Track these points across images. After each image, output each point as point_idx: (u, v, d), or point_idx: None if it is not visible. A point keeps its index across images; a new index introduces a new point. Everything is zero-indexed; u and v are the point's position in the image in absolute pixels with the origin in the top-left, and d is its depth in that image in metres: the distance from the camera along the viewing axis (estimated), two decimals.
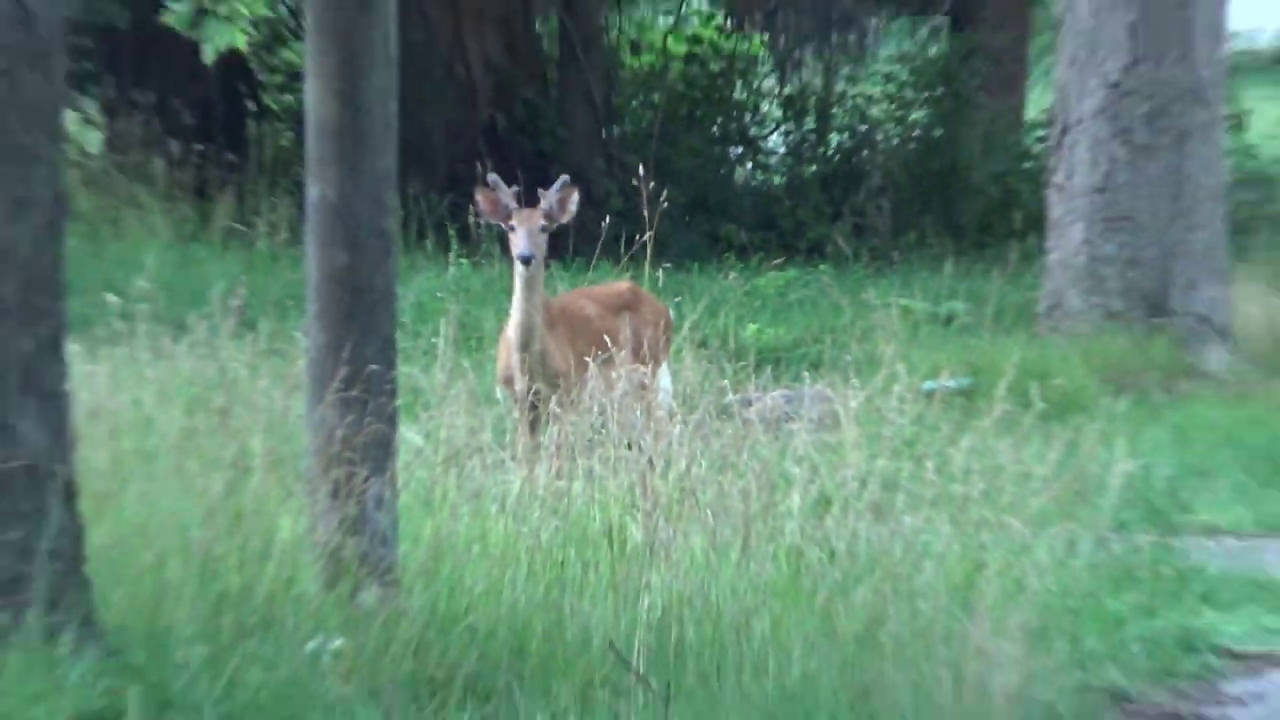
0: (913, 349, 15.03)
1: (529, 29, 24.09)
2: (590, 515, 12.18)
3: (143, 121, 20.66)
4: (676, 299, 15.96)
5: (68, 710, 9.73)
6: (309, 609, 11.01)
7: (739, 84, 26.07)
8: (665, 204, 18.09)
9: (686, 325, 15.22)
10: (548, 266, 14.87)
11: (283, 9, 11.36)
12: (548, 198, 14.39)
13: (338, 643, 10.63)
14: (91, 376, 11.78)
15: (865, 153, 25.01)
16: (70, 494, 10.57)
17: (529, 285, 14.30)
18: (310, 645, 10.58)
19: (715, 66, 26.42)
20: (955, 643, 11.11)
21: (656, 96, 25.46)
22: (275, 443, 12.14)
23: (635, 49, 26.35)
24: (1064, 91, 18.59)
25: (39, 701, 9.74)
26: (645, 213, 17.08)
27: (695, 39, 26.45)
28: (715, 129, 25.27)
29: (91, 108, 21.08)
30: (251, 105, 21.30)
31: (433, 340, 14.07)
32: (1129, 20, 17.92)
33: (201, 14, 11.94)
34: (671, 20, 26.49)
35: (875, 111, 26.12)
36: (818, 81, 27.10)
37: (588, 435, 13.35)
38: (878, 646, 11.14)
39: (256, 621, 10.83)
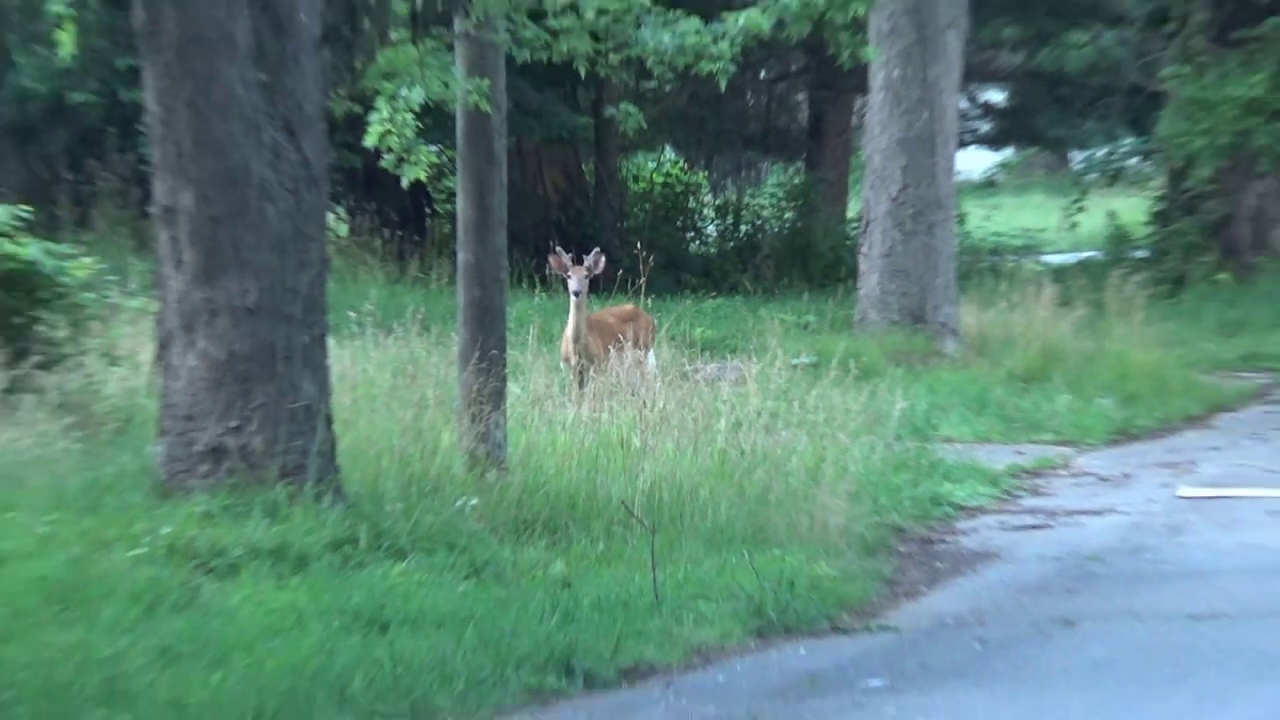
0: (785, 341, 14.68)
1: (578, 168, 24.18)
2: (611, 432, 12.25)
3: (369, 218, 20.72)
4: (657, 314, 15.98)
5: (328, 537, 9.95)
6: (458, 482, 11.17)
7: (691, 198, 26.27)
8: (651, 263, 18.05)
9: (663, 329, 15.18)
10: (586, 295, 14.53)
11: (445, 159, 11.39)
12: (587, 260, 14.29)
13: (474, 501, 10.88)
14: (340, 357, 11.85)
15: (760, 235, 25.18)
16: (329, 420, 10.91)
17: (577, 308, 14.33)
18: (458, 502, 10.84)
19: (679, 189, 26.47)
20: (810, 501, 11.36)
21: (647, 205, 25.56)
22: (440, 392, 12.24)
23: (635, 179, 26.36)
24: (867, 202, 18.48)
25: (312, 533, 9.93)
26: (641, 268, 16.84)
27: (667, 174, 26.52)
28: (679, 222, 25.54)
29: (341, 211, 21.94)
30: (429, 210, 21.44)
31: (525, 337, 14.01)
32: (901, 164, 17.87)
33: (401, 161, 12.28)
34: (654, 164, 26.52)
35: (765, 213, 26.03)
36: (734, 197, 26.84)
37: (610, 389, 13.32)
38: (767, 503, 11.34)
39: (429, 489, 11.05)
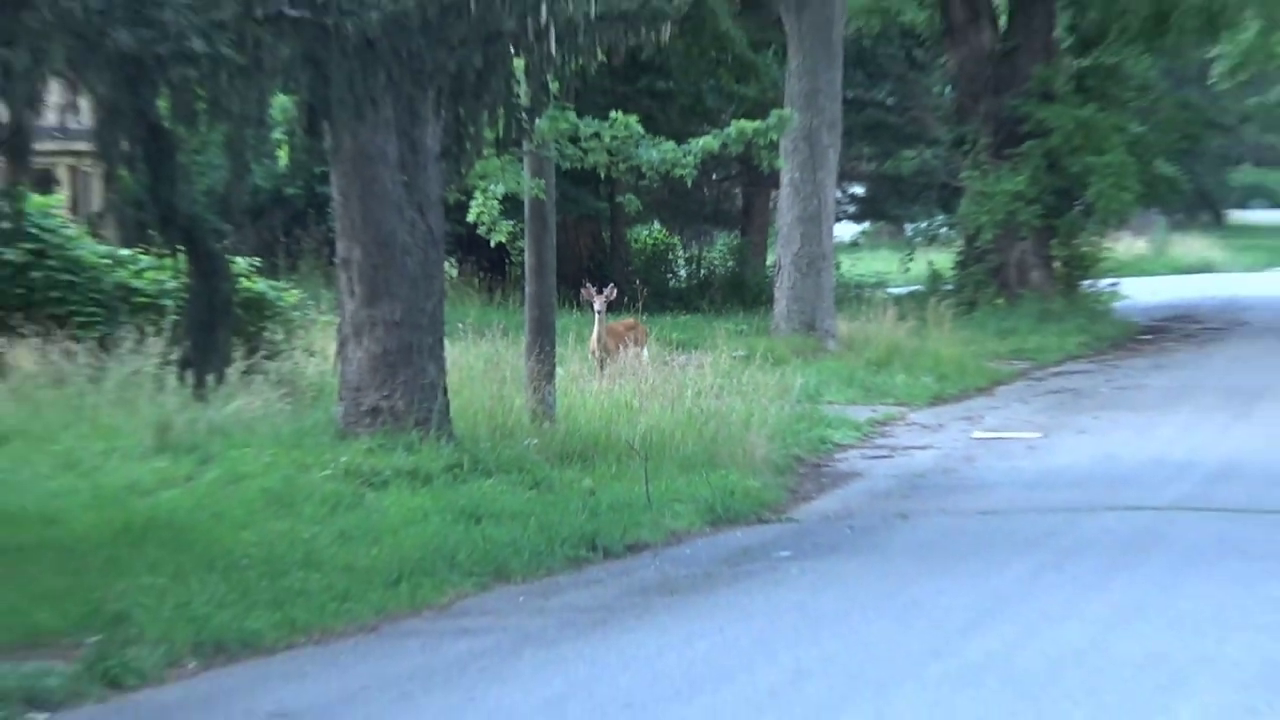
0: (728, 342, 14.47)
1: (600, 234, 23.10)
2: (620, 398, 11.91)
3: (470, 266, 20.35)
4: (649, 325, 15.43)
5: (443, 463, 9.82)
6: (524, 429, 10.91)
7: (670, 253, 24.82)
8: (644, 293, 18.80)
9: (653, 334, 14.89)
10: (604, 313, 13.98)
11: (517, 228, 11.25)
12: (605, 292, 13.89)
13: (534, 441, 10.67)
14: (451, 351, 11.37)
15: (712, 276, 23.75)
16: (444, 391, 10.69)
17: (599, 321, 13.94)
18: (525, 442, 10.64)
19: (662, 247, 25.14)
20: (743, 441, 11.03)
21: (642, 257, 24.33)
22: (513, 373, 11.90)
23: (635, 241, 24.82)
24: (779, 256, 17.91)
25: (433, 461, 9.75)
26: (638, 296, 17.53)
27: (655, 237, 25.22)
28: (662, 268, 24.08)
29: (453, 261, 19.65)
30: (507, 260, 20.13)
31: (567, 340, 13.66)
32: (800, 232, 17.34)
33: (490, 230, 12.23)
34: (646, 231, 25.11)
35: (716, 262, 24.69)
36: (697, 252, 25.50)
37: (619, 371, 13.04)
38: (717, 442, 11.03)
39: (506, 433, 10.81)
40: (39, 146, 7.48)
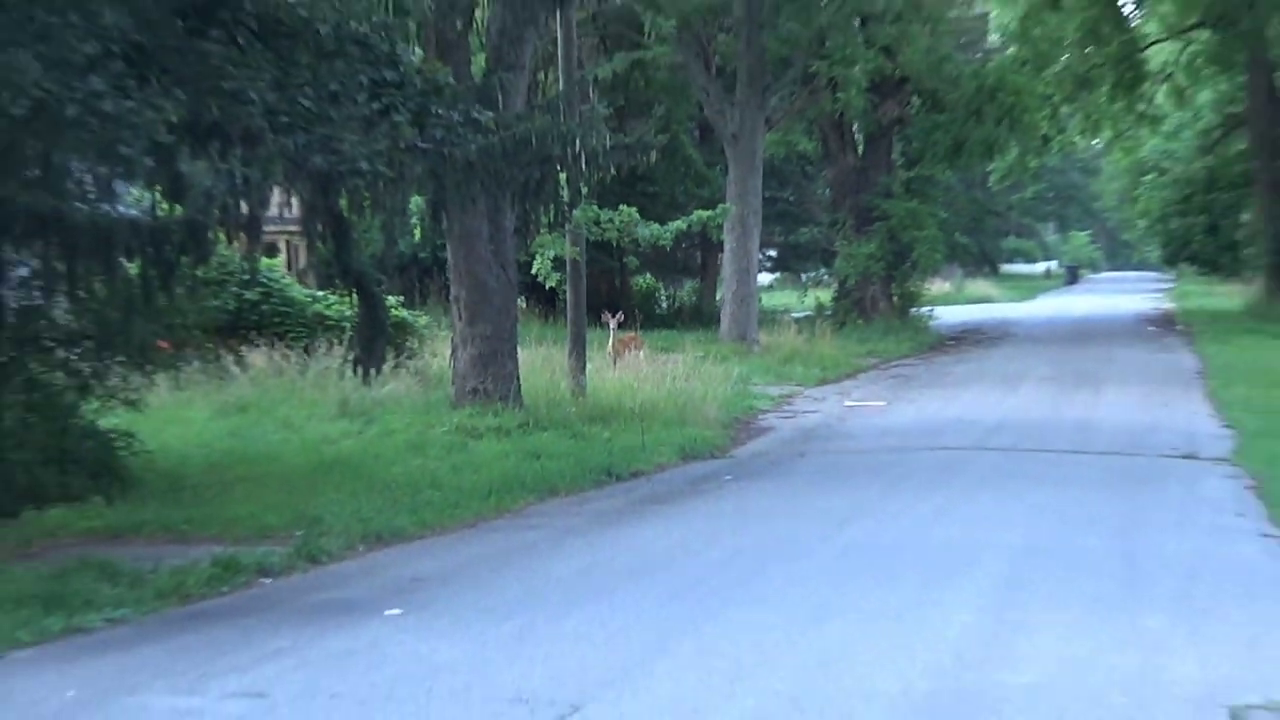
0: (693, 348, 14.36)
1: (614, 281, 21.94)
2: (626, 382, 11.60)
3: (533, 301, 19.00)
4: (644, 337, 14.81)
5: (516, 423, 9.70)
6: (566, 401, 10.73)
7: (656, 292, 23.81)
8: (640, 318, 18.66)
9: (646, 343, 14.27)
10: (616, 329, 13.67)
11: (563, 277, 11.13)
12: (616, 317, 13.73)
13: (573, 409, 10.51)
14: (521, 354, 11.01)
15: (683, 306, 23.12)
16: (517, 378, 10.50)
17: (613, 334, 13.69)
18: (567, 409, 10.44)
19: (652, 289, 24.15)
20: (702, 409, 10.90)
21: (639, 295, 23.29)
22: (560, 367, 11.66)
23: (636, 285, 23.59)
24: (723, 293, 17.74)
25: (511, 421, 9.62)
26: (636, 319, 17.20)
27: (648, 283, 24.27)
28: (651, 302, 23.08)
29: (523, 299, 18.44)
30: (559, 298, 17.54)
31: (593, 346, 12.85)
32: (736, 279, 17.29)
33: (546, 278, 12.14)
34: (643, 279, 23.87)
35: (685, 298, 23.84)
36: (674, 292, 24.53)
37: (625, 366, 12.78)
38: (685, 409, 10.77)
39: (555, 404, 10.57)
40: (267, 229, 7.28)
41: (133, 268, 6.74)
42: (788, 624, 4.50)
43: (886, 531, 6.63)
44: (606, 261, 21.25)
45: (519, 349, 11.17)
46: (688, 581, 5.39)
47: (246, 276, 11.50)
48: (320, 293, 12.47)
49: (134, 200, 8.01)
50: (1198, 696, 3.46)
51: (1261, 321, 19.52)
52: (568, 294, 12.18)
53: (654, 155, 9.86)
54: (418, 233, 19.29)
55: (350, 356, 8.45)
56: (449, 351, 11.18)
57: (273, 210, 7.89)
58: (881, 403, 13.21)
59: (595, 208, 11.74)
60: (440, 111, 6.75)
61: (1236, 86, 23.04)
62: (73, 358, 6.96)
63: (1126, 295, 33.84)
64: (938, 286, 29.14)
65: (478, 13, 11.35)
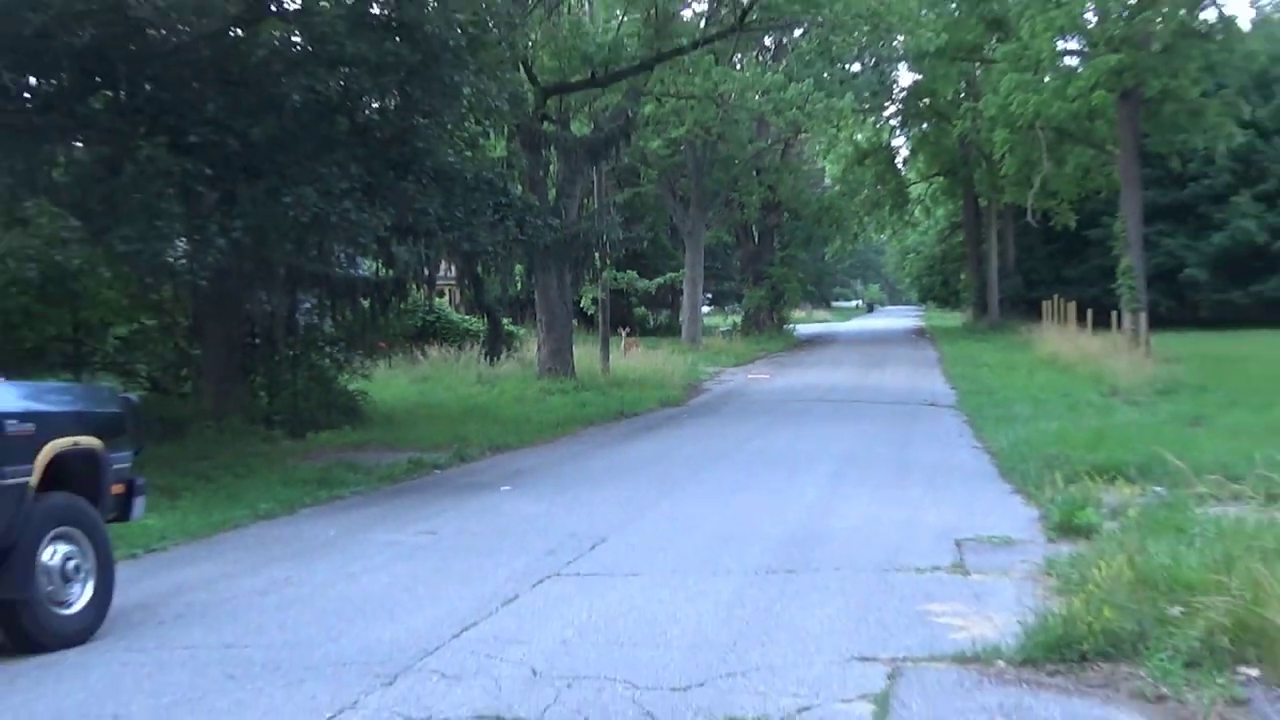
0: (667, 348, 16.47)
1: (624, 310, 24.27)
2: (630, 365, 13.39)
3: (580, 321, 19.11)
4: (641, 341, 17.27)
5: (573, 387, 11.16)
6: (598, 375, 11.95)
7: (647, 318, 26.37)
8: (638, 330, 21.11)
9: (641, 344, 16.55)
10: (625, 338, 15.12)
11: (598, 309, 13.12)
12: (625, 330, 15.51)
13: (602, 379, 11.69)
14: (575, 349, 12.64)
15: (662, 324, 24.56)
16: (573, 363, 12.30)
17: (624, 339, 15.59)
18: (599, 380, 11.70)
19: (645, 315, 26.99)
20: (671, 379, 12.57)
21: (637, 318, 25.92)
22: (596, 355, 13.13)
23: (637, 313, 26.81)
24: (684, 316, 20.39)
25: (570, 385, 11.22)
26: (637, 331, 19.47)
27: (642, 312, 26.55)
28: (645, 322, 25.65)
29: (575, 320, 18.85)
30: (595, 319, 19.31)
31: (612, 346, 14.56)
32: (690, 306, 20.10)
33: (589, 309, 12.86)
34: (640, 309, 25.67)
35: (664, 320, 25.90)
36: (657, 316, 27.61)
37: (632, 357, 14.87)
38: (662, 378, 12.38)
39: (593, 377, 11.60)
40: (438, 283, 8.83)
41: (365, 303, 8.22)
42: (718, 495, 5.35)
43: (772, 445, 7.35)
44: (620, 300, 24.33)
45: (574, 347, 12.91)
46: (664, 471, 6.22)
47: (427, 308, 13.97)
48: (468, 316, 14.65)
49: (368, 267, 9.09)
50: (938, 533, 4.32)
51: (970, 333, 24.85)
52: (599, 317, 13.86)
53: (645, 243, 11.77)
54: (519, 283, 21.18)
55: (483, 351, 9.92)
56: (535, 348, 13.06)
57: (441, 271, 9.48)
58: (767, 376, 14.89)
59: (614, 271, 13.34)
60: (531, 220, 7.87)
61: (958, 207, 32.71)
62: (334, 351, 8.56)
63: (900, 319, 42.84)
64: (798, 313, 35.93)
65: (551, 167, 13.47)
